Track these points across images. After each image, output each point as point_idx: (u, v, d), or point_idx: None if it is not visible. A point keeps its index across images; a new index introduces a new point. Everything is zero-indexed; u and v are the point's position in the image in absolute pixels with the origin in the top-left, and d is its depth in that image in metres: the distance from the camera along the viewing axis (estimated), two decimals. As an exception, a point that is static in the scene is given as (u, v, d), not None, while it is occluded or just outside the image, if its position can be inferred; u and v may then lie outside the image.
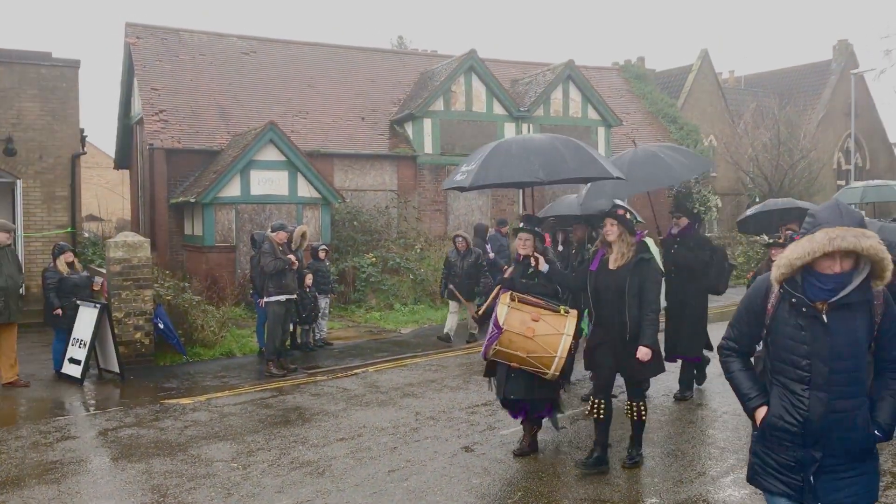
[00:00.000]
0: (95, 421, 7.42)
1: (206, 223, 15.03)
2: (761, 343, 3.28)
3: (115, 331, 9.42)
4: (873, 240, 2.92)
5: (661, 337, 5.83)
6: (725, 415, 7.17)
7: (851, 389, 3.00)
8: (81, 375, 9.00)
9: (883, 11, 71.13)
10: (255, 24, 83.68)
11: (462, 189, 6.61)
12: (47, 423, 7.29)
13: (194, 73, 19.17)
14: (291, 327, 10.64)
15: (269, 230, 9.73)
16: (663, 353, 7.60)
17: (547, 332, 5.50)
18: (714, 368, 8.10)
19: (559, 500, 5.15)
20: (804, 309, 3.03)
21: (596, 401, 5.58)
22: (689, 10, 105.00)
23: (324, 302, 11.47)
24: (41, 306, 9.79)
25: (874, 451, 3.11)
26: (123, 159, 22.85)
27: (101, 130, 79.26)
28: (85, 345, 9.13)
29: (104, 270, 10.84)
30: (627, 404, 5.73)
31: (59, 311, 9.29)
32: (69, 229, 14.51)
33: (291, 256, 9.56)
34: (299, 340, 11.13)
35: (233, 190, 15.12)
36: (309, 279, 10.80)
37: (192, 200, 15.02)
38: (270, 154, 15.43)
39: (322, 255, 11.71)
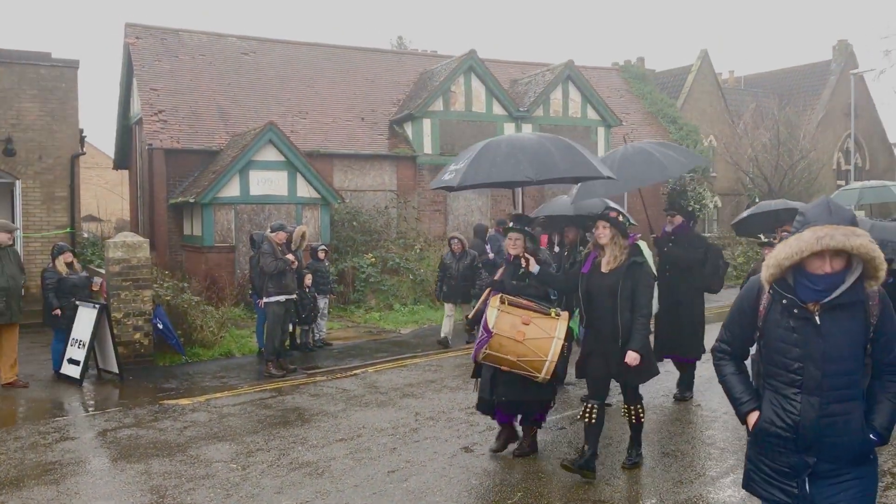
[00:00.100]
0: (94, 421, 7.41)
1: (206, 223, 15.02)
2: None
3: (114, 331, 9.41)
4: (863, 238, 2.82)
5: (652, 338, 5.79)
6: (725, 415, 7.16)
7: (845, 393, 2.91)
8: (80, 376, 8.99)
9: (883, 11, 71.18)
10: (255, 25, 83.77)
11: (450, 189, 6.49)
12: (46, 424, 7.29)
13: (193, 73, 19.16)
14: (291, 328, 10.64)
15: (269, 230, 9.72)
16: (657, 353, 7.62)
17: (537, 336, 5.45)
18: (710, 370, 8.07)
19: (558, 501, 5.14)
20: (796, 310, 2.94)
21: (588, 405, 5.48)
22: (689, 10, 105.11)
23: (323, 302, 11.47)
24: (40, 307, 9.78)
25: (871, 455, 3.01)
26: (123, 159, 22.86)
27: (100, 131, 79.33)
28: (84, 345, 9.12)
29: (103, 271, 10.83)
30: (624, 407, 5.70)
31: (58, 312, 9.28)
32: (68, 230, 14.51)
33: (291, 257, 9.56)
34: (298, 341, 11.12)
35: (232, 190, 15.12)
36: (308, 279, 10.80)
37: (192, 201, 15.01)
38: (270, 154, 15.42)
39: (321, 255, 11.71)
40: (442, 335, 11.55)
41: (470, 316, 6.47)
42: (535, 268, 5.77)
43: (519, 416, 6.11)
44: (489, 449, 6.15)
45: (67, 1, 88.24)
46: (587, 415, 5.46)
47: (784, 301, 2.96)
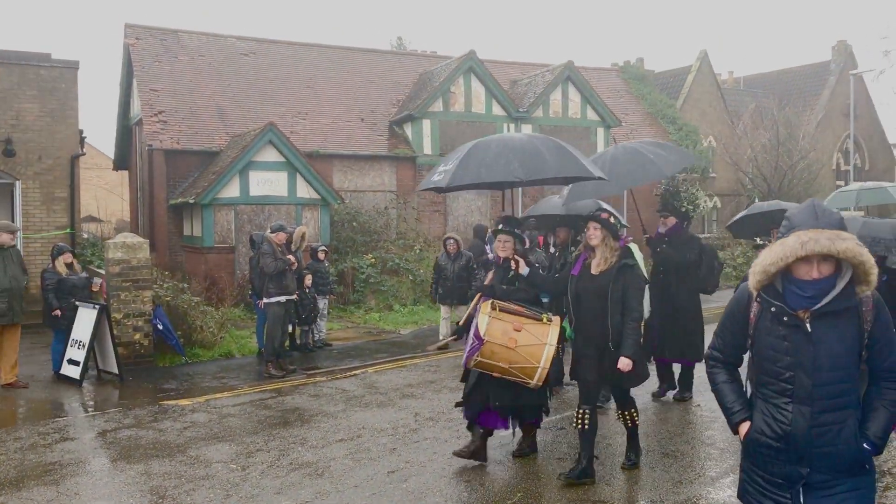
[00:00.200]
0: (94, 422, 7.41)
1: (206, 224, 15.02)
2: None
3: (114, 332, 9.41)
4: (850, 242, 2.69)
5: (641, 341, 5.72)
6: (725, 416, 7.15)
7: (838, 402, 2.81)
8: (80, 376, 8.99)
9: (882, 12, 71.18)
10: (255, 25, 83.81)
11: (439, 190, 6.36)
12: (46, 425, 7.29)
13: (193, 74, 19.17)
14: (291, 328, 10.64)
15: (269, 231, 9.73)
16: (651, 355, 7.60)
17: (529, 343, 5.36)
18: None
19: (558, 501, 5.15)
20: (785, 318, 2.84)
21: (580, 411, 5.41)
22: (689, 10, 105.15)
23: (323, 303, 11.47)
24: (40, 307, 9.78)
25: (868, 465, 2.89)
26: (122, 160, 22.87)
27: (100, 131, 79.34)
28: (84, 346, 9.12)
29: (103, 271, 10.83)
30: (618, 413, 5.70)
31: (58, 312, 9.28)
32: (68, 230, 14.50)
33: (291, 257, 9.56)
34: (298, 341, 11.13)
35: (232, 191, 15.12)
36: (308, 280, 10.80)
37: (192, 201, 15.02)
38: (269, 155, 15.43)
39: (321, 255, 11.71)
40: (440, 339, 11.39)
41: (460, 323, 6.37)
42: (524, 270, 5.69)
43: (510, 420, 5.98)
44: (451, 452, 5.95)
45: (67, 1, 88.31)
46: (580, 421, 5.40)
47: (773, 309, 2.87)
